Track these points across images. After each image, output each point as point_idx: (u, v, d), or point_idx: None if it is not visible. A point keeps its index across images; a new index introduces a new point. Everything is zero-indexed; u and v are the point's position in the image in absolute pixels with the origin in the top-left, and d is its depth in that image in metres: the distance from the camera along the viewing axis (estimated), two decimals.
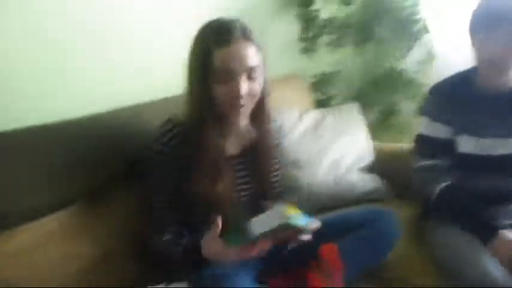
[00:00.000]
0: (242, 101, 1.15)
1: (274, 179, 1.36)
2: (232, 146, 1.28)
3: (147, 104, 1.52)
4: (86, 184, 1.28)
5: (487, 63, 1.39)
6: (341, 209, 1.72)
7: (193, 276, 1.16)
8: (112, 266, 1.26)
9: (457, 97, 1.44)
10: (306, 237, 1.14)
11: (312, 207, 1.60)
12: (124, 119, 1.39)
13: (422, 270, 1.41)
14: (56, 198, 1.21)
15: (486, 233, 1.33)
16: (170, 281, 1.12)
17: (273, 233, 1.03)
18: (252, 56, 1.14)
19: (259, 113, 1.25)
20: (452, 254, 1.35)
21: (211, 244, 1.10)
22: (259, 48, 1.18)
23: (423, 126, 1.50)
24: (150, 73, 1.65)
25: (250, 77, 1.15)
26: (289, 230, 1.08)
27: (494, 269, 1.26)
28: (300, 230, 1.09)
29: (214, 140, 1.19)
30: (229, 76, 1.13)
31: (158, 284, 1.09)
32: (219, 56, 1.12)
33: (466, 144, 1.43)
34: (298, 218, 1.08)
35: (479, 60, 1.41)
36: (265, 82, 1.21)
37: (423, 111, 1.51)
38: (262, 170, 1.30)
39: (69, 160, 1.25)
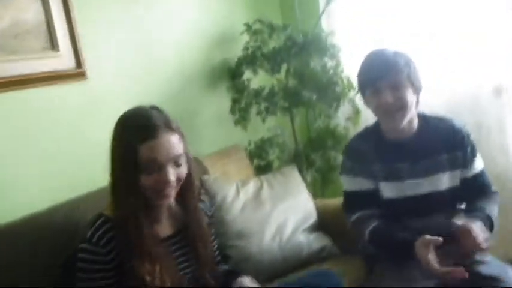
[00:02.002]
0: (171, 188, 1.20)
1: (211, 252, 1.38)
2: (165, 228, 1.31)
3: (76, 199, 1.53)
4: None
5: (377, 117, 1.54)
6: (291, 273, 1.75)
7: None
8: None
9: (368, 150, 1.55)
10: None
11: (262, 276, 1.64)
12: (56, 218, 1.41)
13: None
14: None
15: (408, 249, 1.37)
16: None
17: None
18: (176, 144, 1.20)
19: (186, 191, 1.29)
20: None
21: None
22: (182, 135, 1.23)
23: (346, 184, 1.59)
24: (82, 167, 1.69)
25: (176, 164, 1.21)
26: None
27: None
28: None
29: (145, 229, 1.20)
30: (157, 167, 1.17)
31: None
32: (144, 151, 1.16)
33: (388, 190, 1.54)
34: None
35: (374, 115, 1.56)
36: (189, 162, 1.26)
37: (342, 170, 1.61)
38: (198, 245, 1.32)
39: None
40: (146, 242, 1.19)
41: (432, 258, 1.31)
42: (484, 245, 1.32)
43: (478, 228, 1.34)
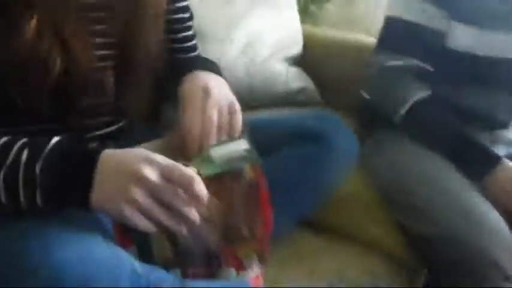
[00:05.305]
0: None
1: (155, 41, 0.86)
2: None
3: None
4: None
5: None
6: (259, 109, 1.30)
7: None
8: None
9: None
10: None
11: None
12: None
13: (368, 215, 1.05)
14: None
15: (485, 162, 1.04)
16: None
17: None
18: None
19: None
20: (404, 174, 1.05)
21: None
22: None
23: (399, 4, 1.12)
24: None
25: None
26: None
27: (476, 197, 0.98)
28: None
29: None
30: None
31: None
32: None
33: (462, 38, 1.08)
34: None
35: None
36: None
37: None
38: (134, 23, 0.83)
39: None
40: None
41: None
42: None
43: None
